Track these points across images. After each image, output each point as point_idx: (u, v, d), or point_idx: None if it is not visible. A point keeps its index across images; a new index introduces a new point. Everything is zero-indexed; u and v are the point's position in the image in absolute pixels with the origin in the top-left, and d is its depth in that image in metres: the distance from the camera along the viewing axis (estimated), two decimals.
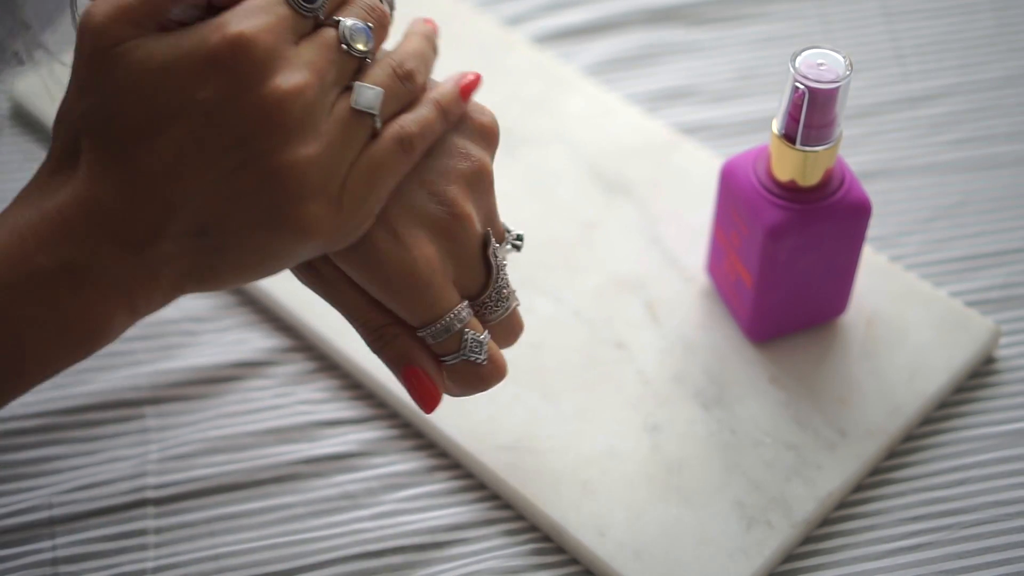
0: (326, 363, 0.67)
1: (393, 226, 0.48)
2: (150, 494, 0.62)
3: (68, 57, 0.47)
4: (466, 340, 0.50)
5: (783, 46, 0.82)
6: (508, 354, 0.66)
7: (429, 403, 0.51)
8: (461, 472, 0.63)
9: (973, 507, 0.61)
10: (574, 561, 0.60)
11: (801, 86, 0.57)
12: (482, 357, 0.50)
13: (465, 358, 0.50)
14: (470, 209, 0.49)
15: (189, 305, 0.69)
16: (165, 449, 0.63)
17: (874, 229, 0.71)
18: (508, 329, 0.52)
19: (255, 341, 0.68)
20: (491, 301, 0.51)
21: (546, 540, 0.61)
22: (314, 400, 0.66)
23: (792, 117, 0.59)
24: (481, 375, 0.51)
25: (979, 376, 0.66)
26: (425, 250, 0.48)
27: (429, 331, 0.49)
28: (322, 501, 0.62)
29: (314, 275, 0.51)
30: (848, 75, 0.57)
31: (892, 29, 0.83)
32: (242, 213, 0.45)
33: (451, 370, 0.51)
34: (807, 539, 0.61)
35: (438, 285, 0.49)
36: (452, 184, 0.49)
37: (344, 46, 0.46)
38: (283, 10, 0.45)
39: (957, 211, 0.73)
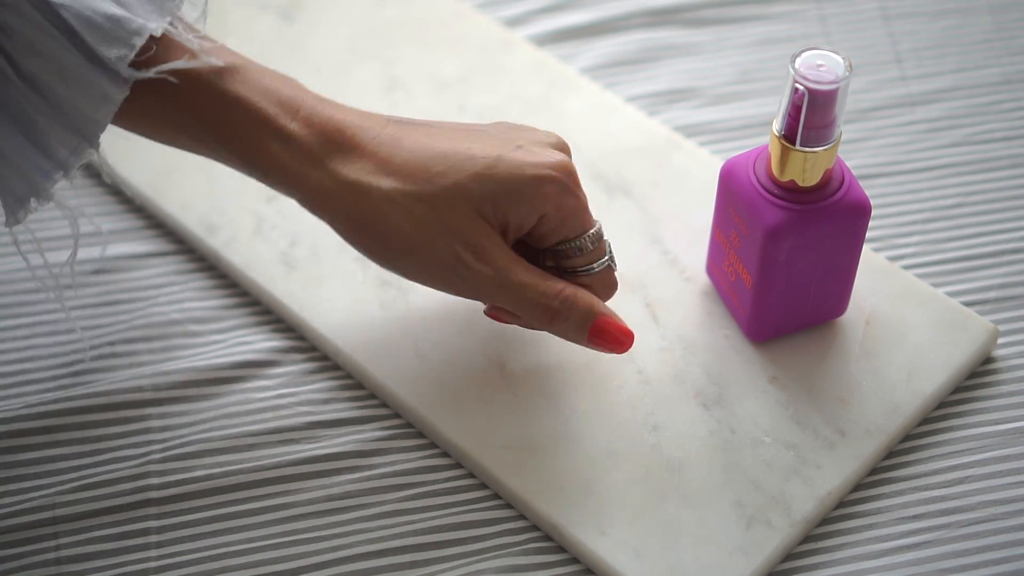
0: (327, 363, 0.67)
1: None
2: (153, 494, 0.62)
3: None
4: (608, 243, 0.62)
5: (783, 47, 0.82)
6: (508, 354, 0.66)
7: (628, 338, 0.61)
8: (461, 472, 0.63)
9: (971, 506, 0.62)
10: (574, 561, 0.61)
11: (801, 87, 0.58)
12: (615, 260, 0.62)
13: (609, 262, 0.62)
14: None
15: (191, 307, 0.69)
16: (168, 449, 0.64)
17: (873, 229, 0.72)
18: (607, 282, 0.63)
19: (257, 342, 0.68)
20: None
21: (546, 540, 0.61)
22: (315, 400, 0.66)
23: (792, 118, 0.59)
24: (615, 279, 0.63)
25: (977, 376, 0.66)
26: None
27: (591, 233, 0.60)
28: (323, 501, 0.62)
29: (485, 276, 0.59)
30: (847, 76, 0.57)
31: (891, 31, 0.83)
32: None
33: (598, 278, 0.61)
34: (806, 538, 0.61)
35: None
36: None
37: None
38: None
39: (956, 212, 0.73)
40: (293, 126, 0.59)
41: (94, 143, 0.57)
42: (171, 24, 0.57)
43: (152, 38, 0.56)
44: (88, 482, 0.62)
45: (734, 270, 0.65)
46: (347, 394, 0.66)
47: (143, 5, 0.57)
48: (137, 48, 0.56)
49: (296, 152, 0.59)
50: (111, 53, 0.56)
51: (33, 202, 0.57)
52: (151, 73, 0.56)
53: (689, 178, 0.73)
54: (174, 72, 0.57)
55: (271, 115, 0.59)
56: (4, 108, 0.55)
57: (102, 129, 0.57)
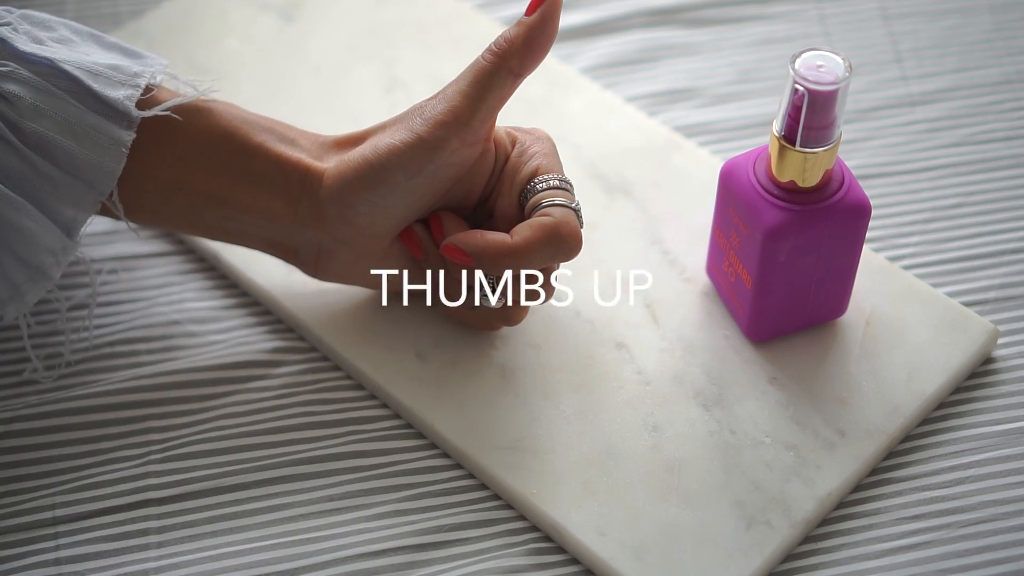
0: (327, 363, 0.67)
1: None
2: (153, 494, 0.62)
3: None
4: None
5: (783, 47, 0.82)
6: (508, 354, 0.66)
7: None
8: (461, 472, 0.63)
9: (971, 506, 0.62)
10: (574, 561, 0.61)
11: (801, 88, 0.58)
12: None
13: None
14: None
15: (191, 307, 0.69)
16: (167, 449, 0.64)
17: (873, 230, 0.72)
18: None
19: (257, 342, 0.68)
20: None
21: (546, 540, 0.61)
22: (315, 401, 0.66)
23: (792, 118, 0.59)
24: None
25: (977, 376, 0.66)
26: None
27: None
28: (323, 501, 0.62)
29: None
30: (847, 77, 0.57)
31: (891, 31, 0.83)
32: None
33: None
34: (806, 539, 0.61)
35: None
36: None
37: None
38: None
39: (955, 212, 0.73)
40: (292, 134, 0.63)
41: (105, 193, 0.60)
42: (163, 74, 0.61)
43: (148, 87, 0.60)
44: (88, 482, 0.62)
45: (734, 270, 0.65)
46: (347, 394, 0.66)
47: (134, 58, 0.61)
48: (142, 88, 0.59)
49: (308, 149, 0.63)
50: (118, 94, 0.59)
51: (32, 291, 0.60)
52: (157, 111, 0.59)
53: (689, 178, 0.73)
54: (178, 108, 0.60)
55: (274, 126, 0.63)
56: (8, 180, 0.58)
57: (114, 178, 0.59)
